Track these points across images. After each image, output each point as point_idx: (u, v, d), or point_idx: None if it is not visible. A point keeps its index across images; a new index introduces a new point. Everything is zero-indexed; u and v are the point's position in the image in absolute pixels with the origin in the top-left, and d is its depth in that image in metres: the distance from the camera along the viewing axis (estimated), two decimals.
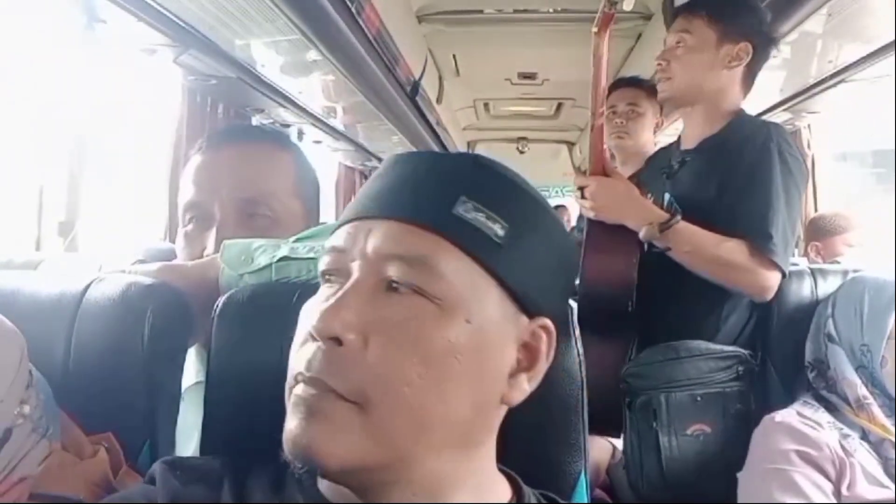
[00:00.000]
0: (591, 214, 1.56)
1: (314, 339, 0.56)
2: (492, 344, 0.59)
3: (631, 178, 1.84)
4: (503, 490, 0.63)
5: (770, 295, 1.45)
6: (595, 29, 1.51)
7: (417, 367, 0.55)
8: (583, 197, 1.56)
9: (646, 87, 2.34)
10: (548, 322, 0.62)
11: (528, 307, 0.60)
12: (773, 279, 1.44)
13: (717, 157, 1.54)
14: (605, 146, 1.60)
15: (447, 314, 0.56)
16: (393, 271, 0.57)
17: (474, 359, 0.57)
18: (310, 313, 0.59)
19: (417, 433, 0.56)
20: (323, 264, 0.61)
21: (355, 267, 0.58)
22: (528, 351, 0.61)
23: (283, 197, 1.07)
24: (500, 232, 0.58)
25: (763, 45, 1.61)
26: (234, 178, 1.05)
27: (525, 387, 0.61)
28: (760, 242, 1.42)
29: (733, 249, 1.43)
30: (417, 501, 0.57)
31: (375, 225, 0.59)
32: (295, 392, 0.56)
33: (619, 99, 2.37)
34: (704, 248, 1.45)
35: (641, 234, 1.47)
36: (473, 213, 0.58)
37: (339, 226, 0.62)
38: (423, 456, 0.56)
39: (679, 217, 1.44)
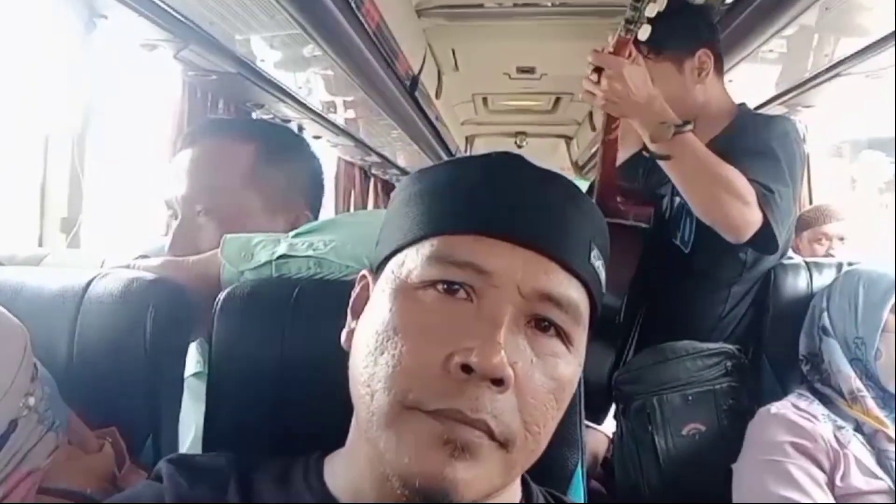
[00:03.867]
0: (598, 103, 1.39)
1: (465, 372, 0.51)
2: None
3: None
4: (517, 486, 0.64)
5: (745, 236, 1.36)
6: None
7: (553, 410, 0.56)
8: (597, 82, 1.36)
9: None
10: None
11: None
12: (756, 220, 1.34)
13: (732, 149, 1.46)
14: (616, 160, 1.55)
15: (572, 357, 0.58)
16: (544, 310, 0.56)
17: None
18: (423, 326, 0.55)
19: (529, 465, 0.58)
20: (444, 274, 0.56)
21: (501, 295, 0.54)
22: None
23: (232, 192, 1.08)
24: (603, 278, 0.61)
25: (714, 37, 1.58)
26: (190, 174, 1.08)
27: None
28: (762, 188, 1.35)
29: (738, 175, 1.33)
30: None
31: (524, 254, 0.56)
32: (435, 425, 0.52)
33: None
34: (709, 164, 1.34)
35: (651, 134, 1.36)
36: (597, 262, 0.60)
37: (453, 229, 0.57)
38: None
39: (692, 126, 1.35)
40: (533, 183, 0.59)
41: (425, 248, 0.57)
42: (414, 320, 0.55)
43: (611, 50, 1.38)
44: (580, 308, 0.58)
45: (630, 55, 1.37)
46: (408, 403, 0.53)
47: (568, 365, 0.57)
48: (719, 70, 1.60)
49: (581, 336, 0.59)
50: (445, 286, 0.56)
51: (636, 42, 1.35)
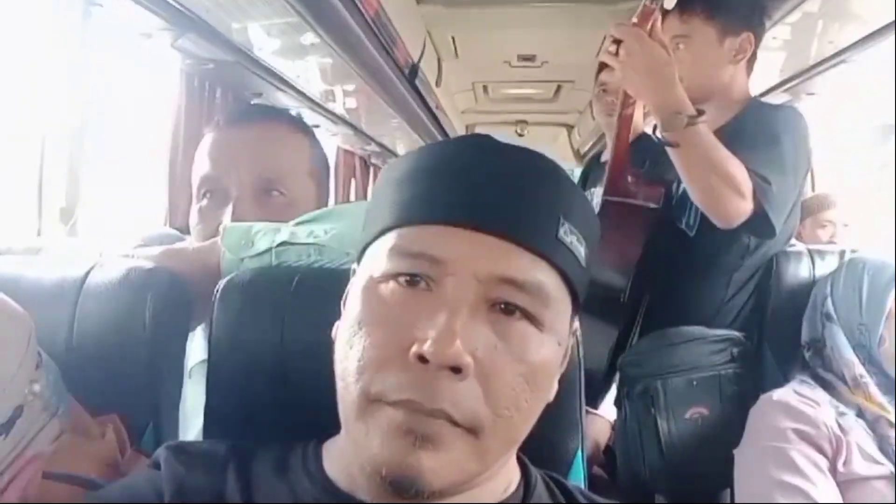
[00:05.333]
0: (616, 77, 1.41)
1: (422, 362, 0.52)
2: (563, 357, 0.61)
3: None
4: (514, 468, 0.64)
5: (733, 224, 1.38)
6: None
7: (525, 393, 0.55)
8: (616, 53, 1.36)
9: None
10: (576, 324, 0.65)
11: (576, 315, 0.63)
12: (747, 211, 1.36)
13: (736, 139, 1.46)
14: (630, 136, 1.57)
15: (546, 338, 0.57)
16: (504, 295, 0.55)
17: (555, 375, 0.60)
18: (385, 318, 0.55)
19: (510, 448, 0.58)
20: (402, 266, 0.56)
21: (457, 283, 0.54)
22: (565, 350, 0.63)
23: (298, 177, 1.09)
24: (584, 253, 0.59)
25: (761, 28, 1.58)
26: (253, 155, 1.05)
27: (556, 383, 0.63)
28: (759, 179, 1.36)
29: (739, 168, 1.34)
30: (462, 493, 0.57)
31: (479, 240, 0.55)
32: (396, 416, 0.52)
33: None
34: (714, 158, 1.34)
35: (663, 121, 1.36)
36: (570, 237, 0.57)
37: (411, 220, 0.57)
38: (499, 461, 0.58)
39: (705, 118, 1.35)
40: (490, 164, 0.58)
41: (388, 241, 0.58)
42: (376, 313, 0.56)
43: (635, 20, 1.36)
44: (545, 289, 0.56)
45: (652, 28, 1.36)
46: (371, 396, 0.54)
47: (541, 346, 0.56)
48: (751, 62, 1.59)
49: (555, 316, 0.57)
50: (406, 278, 0.56)
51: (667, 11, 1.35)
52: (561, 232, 0.57)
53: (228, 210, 1.03)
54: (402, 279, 0.56)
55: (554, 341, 0.57)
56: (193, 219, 1.08)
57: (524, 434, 0.58)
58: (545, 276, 0.56)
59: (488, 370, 0.53)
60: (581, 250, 0.58)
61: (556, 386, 0.62)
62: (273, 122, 1.12)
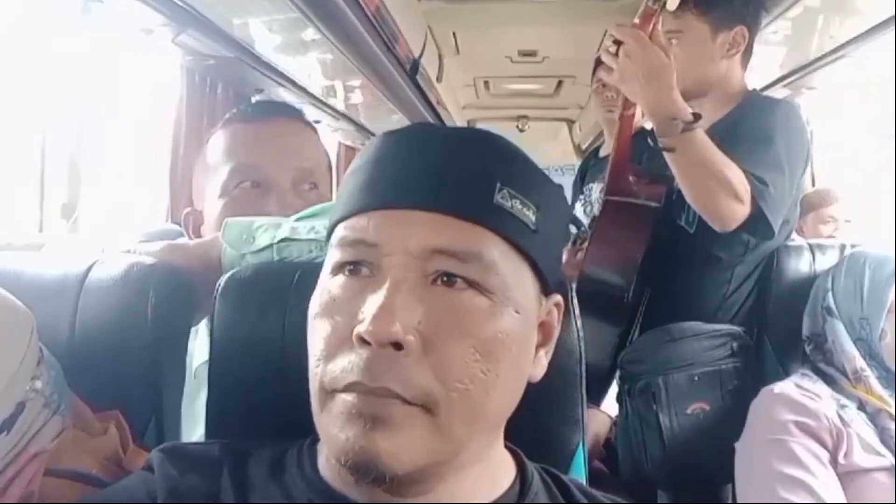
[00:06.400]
0: (614, 78, 1.39)
1: (364, 343, 0.52)
2: (530, 329, 0.60)
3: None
4: (508, 465, 0.63)
5: (730, 227, 1.38)
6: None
7: (480, 364, 0.54)
8: (615, 54, 1.36)
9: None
10: (559, 298, 0.64)
11: (547, 287, 0.61)
12: (744, 214, 1.37)
13: (731, 135, 1.47)
14: (631, 137, 1.57)
15: (499, 307, 0.55)
16: (441, 266, 0.54)
17: (521, 347, 0.58)
18: (334, 309, 0.56)
19: (478, 425, 0.56)
20: (345, 255, 0.57)
21: (393, 262, 0.54)
22: (545, 328, 0.62)
23: (323, 171, 1.12)
24: (533, 217, 0.58)
25: (756, 22, 1.58)
26: (291, 147, 1.07)
27: (544, 362, 0.63)
28: (755, 180, 1.36)
29: (736, 173, 1.34)
30: (446, 486, 0.57)
31: (409, 217, 0.55)
32: (347, 401, 0.52)
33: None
34: (711, 162, 1.33)
35: (658, 127, 1.36)
36: (511, 202, 0.56)
37: (352, 212, 0.58)
38: (471, 442, 0.57)
39: (701, 123, 1.35)
40: (423, 145, 0.59)
41: (336, 235, 0.59)
42: (325, 306, 0.57)
43: (636, 21, 1.36)
44: (485, 255, 0.55)
45: (653, 29, 1.35)
46: (326, 388, 0.54)
47: (492, 316, 0.55)
48: (746, 55, 1.58)
49: (506, 283, 0.56)
50: (350, 267, 0.56)
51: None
52: (498, 197, 0.56)
53: (272, 200, 1.02)
54: (346, 269, 0.57)
55: (510, 310, 0.56)
56: (225, 211, 1.03)
57: (494, 408, 0.57)
58: (485, 242, 0.55)
59: (434, 343, 0.53)
60: (529, 215, 0.57)
61: (541, 363, 0.62)
62: (291, 117, 1.13)
